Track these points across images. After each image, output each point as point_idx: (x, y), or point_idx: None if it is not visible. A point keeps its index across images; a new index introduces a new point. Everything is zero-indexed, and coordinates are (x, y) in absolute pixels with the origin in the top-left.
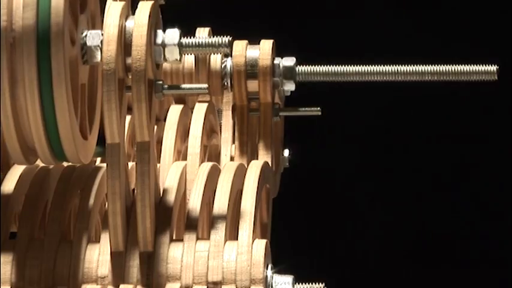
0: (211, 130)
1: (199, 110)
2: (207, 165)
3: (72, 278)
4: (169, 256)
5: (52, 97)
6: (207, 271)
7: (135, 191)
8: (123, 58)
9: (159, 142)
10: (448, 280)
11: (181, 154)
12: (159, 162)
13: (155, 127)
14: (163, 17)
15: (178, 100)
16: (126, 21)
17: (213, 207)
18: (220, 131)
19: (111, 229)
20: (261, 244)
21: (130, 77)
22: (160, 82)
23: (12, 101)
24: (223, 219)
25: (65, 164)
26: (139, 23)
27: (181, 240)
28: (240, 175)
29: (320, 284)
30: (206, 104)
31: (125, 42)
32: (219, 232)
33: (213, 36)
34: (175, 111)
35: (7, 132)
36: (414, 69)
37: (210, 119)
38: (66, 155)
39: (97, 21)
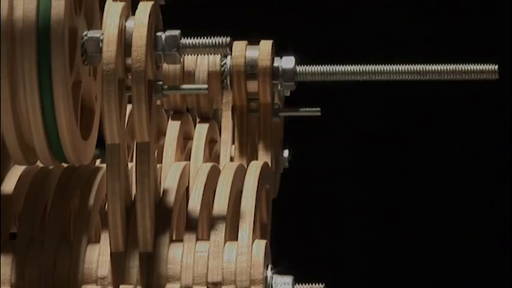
0: (211, 141)
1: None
2: (207, 166)
3: (72, 278)
4: (169, 257)
5: (52, 97)
6: (207, 272)
7: (135, 192)
8: (123, 59)
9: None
10: (446, 281)
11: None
12: (160, 163)
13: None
14: (163, 18)
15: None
16: (126, 21)
17: (213, 207)
18: (220, 132)
19: (111, 229)
20: (261, 244)
21: (130, 77)
22: (160, 82)
23: (12, 101)
24: (223, 220)
25: (65, 164)
26: (139, 23)
27: (181, 240)
28: (239, 175)
29: (320, 284)
30: (207, 125)
31: (125, 43)
32: (219, 233)
33: (213, 37)
34: (174, 126)
35: (7, 132)
36: (414, 69)
37: (212, 136)
38: (65, 156)
39: (97, 22)
